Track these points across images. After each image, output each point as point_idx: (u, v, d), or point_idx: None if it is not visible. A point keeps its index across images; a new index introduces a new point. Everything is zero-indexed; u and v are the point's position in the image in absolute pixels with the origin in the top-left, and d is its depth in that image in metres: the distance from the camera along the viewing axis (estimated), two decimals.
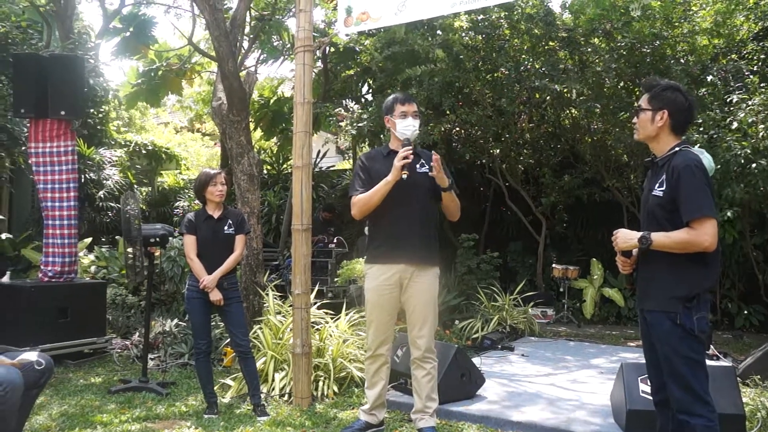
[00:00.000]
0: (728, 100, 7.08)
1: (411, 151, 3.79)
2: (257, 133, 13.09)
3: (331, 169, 14.06)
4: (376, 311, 4.00)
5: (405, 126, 3.94)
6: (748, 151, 6.41)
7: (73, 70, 6.27)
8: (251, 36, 10.65)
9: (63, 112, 6.16)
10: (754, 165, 6.38)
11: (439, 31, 8.88)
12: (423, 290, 3.91)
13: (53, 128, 6.23)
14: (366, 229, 7.31)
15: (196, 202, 4.78)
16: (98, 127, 11.37)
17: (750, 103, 6.63)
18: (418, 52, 8.75)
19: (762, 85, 7.02)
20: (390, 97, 4.12)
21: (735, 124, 6.67)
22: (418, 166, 3.92)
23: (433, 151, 3.93)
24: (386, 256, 3.95)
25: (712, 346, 6.56)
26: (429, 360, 3.96)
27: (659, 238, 2.82)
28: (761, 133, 6.42)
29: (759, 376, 5.30)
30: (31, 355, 3.53)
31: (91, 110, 10.86)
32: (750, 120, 6.54)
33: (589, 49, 8.76)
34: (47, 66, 6.12)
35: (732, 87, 7.44)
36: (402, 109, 3.97)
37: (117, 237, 9.21)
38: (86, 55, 9.97)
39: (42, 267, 6.32)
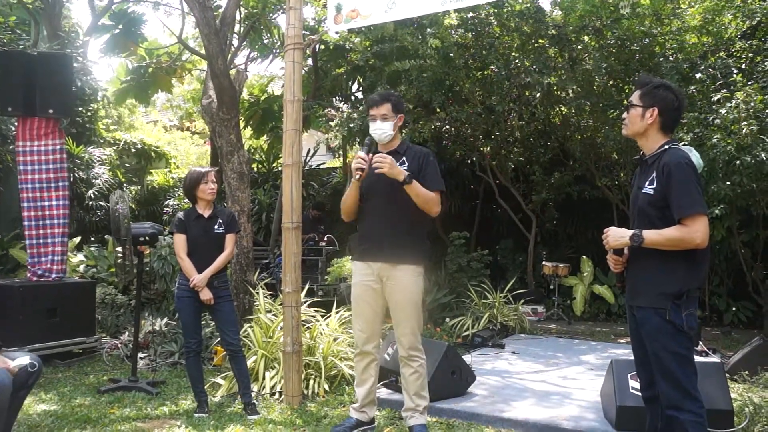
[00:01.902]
0: (713, 99, 7.12)
1: (366, 153, 3.83)
2: (247, 132, 13.06)
3: (322, 167, 14.05)
4: (361, 307, 4.03)
5: (373, 129, 3.99)
6: (732, 149, 6.45)
7: (61, 67, 6.23)
8: (241, 34, 10.62)
9: (51, 111, 6.11)
10: (738, 162, 6.41)
11: (429, 29, 8.87)
12: (400, 289, 3.90)
13: (41, 126, 6.18)
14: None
15: (187, 200, 4.76)
16: (87, 125, 11.31)
17: (733, 102, 6.67)
18: (407, 49, 8.74)
19: (750, 82, 7.06)
20: (369, 99, 4.18)
21: (717, 122, 6.71)
22: (398, 164, 3.90)
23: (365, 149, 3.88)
24: (366, 254, 4.00)
25: (701, 343, 6.61)
26: (415, 358, 3.96)
27: (651, 235, 2.83)
28: (744, 130, 6.45)
29: (747, 372, 5.34)
30: (23, 359, 3.51)
31: (80, 108, 10.80)
32: (731, 117, 6.58)
33: (579, 47, 8.78)
34: (35, 64, 6.07)
35: (717, 86, 7.48)
36: (372, 112, 4.01)
37: (106, 236, 9.17)
38: (74, 53, 9.91)
39: (29, 267, 6.28)
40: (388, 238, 3.92)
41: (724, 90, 7.03)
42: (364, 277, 4.00)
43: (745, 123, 6.45)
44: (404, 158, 3.97)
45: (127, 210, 5.37)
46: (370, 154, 3.85)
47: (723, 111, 6.66)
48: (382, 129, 3.96)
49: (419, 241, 4.00)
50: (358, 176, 3.82)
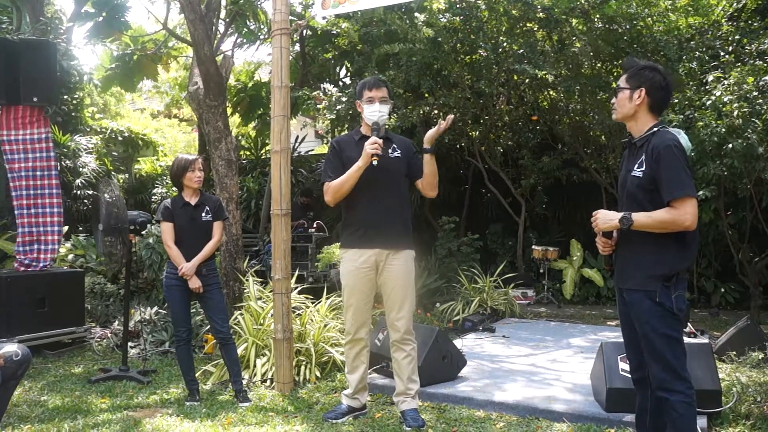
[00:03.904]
0: (704, 80, 7.13)
1: (380, 137, 3.85)
2: (235, 118, 12.97)
3: (310, 153, 13.99)
4: (355, 295, 4.02)
5: (371, 111, 3.96)
6: (723, 131, 6.47)
7: (44, 54, 6.14)
8: (227, 20, 10.51)
9: (35, 98, 6.04)
10: (730, 145, 6.43)
11: (417, 14, 8.83)
12: (399, 272, 3.95)
13: (26, 115, 6.12)
14: None
15: (175, 189, 4.73)
16: (73, 113, 11.17)
17: (726, 83, 6.67)
18: (396, 32, 8.69)
19: (737, 64, 7.07)
20: (360, 82, 4.15)
21: (710, 103, 6.72)
22: (390, 150, 3.93)
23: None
24: (362, 241, 3.98)
25: (689, 324, 6.67)
26: (408, 342, 3.99)
27: (640, 218, 2.84)
28: (735, 112, 6.46)
29: (734, 352, 5.40)
30: (10, 347, 3.49)
31: (65, 96, 10.67)
32: (725, 99, 6.58)
33: (568, 28, 8.75)
34: (18, 51, 5.98)
35: (707, 67, 7.49)
36: (369, 94, 3.99)
37: (97, 225, 9.10)
38: (58, 39, 9.78)
39: (17, 257, 6.24)
40: (388, 223, 3.94)
41: (717, 71, 7.03)
42: (359, 264, 3.97)
43: (737, 105, 6.46)
44: (394, 145, 4.04)
45: (117, 198, 5.31)
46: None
47: (717, 93, 6.66)
48: (381, 111, 3.96)
49: (410, 226, 4.10)
50: (376, 161, 3.81)
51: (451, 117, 3.81)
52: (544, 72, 8.22)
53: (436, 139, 3.94)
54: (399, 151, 4.01)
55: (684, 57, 7.69)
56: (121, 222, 5.21)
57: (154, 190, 13.00)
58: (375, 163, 3.79)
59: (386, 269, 3.96)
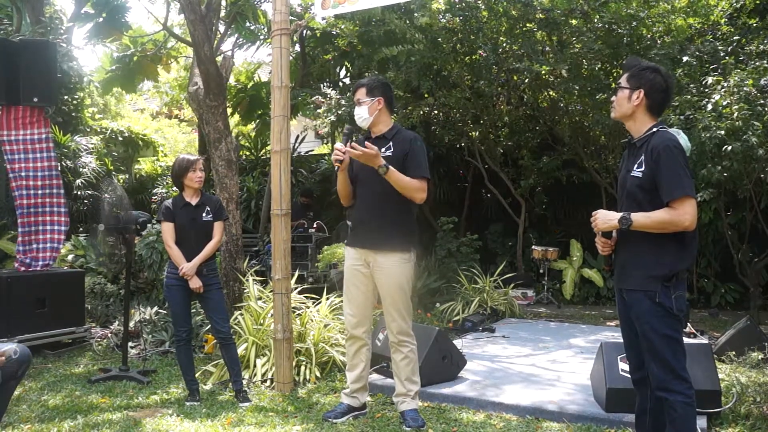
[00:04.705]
0: (704, 82, 7.13)
1: (345, 143, 3.87)
2: (235, 119, 12.98)
3: (310, 153, 13.99)
4: (349, 290, 4.08)
5: (355, 114, 4.05)
6: (722, 133, 6.47)
7: (44, 55, 6.14)
8: (227, 20, 10.52)
9: (36, 99, 6.04)
10: (729, 147, 6.42)
11: (416, 14, 8.83)
12: (385, 275, 3.94)
13: (26, 115, 6.12)
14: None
15: (175, 189, 4.73)
16: (73, 114, 11.19)
17: (725, 84, 6.67)
18: (395, 33, 8.69)
19: (738, 65, 7.07)
20: None
21: (710, 106, 6.72)
22: (383, 150, 3.89)
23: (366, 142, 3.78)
24: (355, 240, 4.06)
25: (689, 324, 6.67)
26: (405, 343, 3.99)
27: (639, 218, 2.84)
28: (735, 114, 6.46)
29: (734, 353, 5.40)
30: (8, 346, 3.49)
31: (66, 97, 10.68)
32: (725, 102, 6.59)
33: (567, 29, 8.76)
34: (18, 51, 5.98)
35: (707, 68, 7.49)
36: (354, 98, 4.07)
37: (95, 225, 9.10)
38: (58, 40, 9.79)
39: (18, 257, 6.24)
40: (373, 225, 3.95)
41: (715, 73, 7.03)
42: (354, 261, 4.04)
43: (736, 107, 6.46)
44: (391, 144, 3.97)
45: (119, 199, 5.31)
46: (349, 144, 3.87)
47: (717, 96, 6.66)
48: (357, 114, 4.02)
49: (406, 227, 4.00)
50: (337, 167, 3.88)
51: (370, 145, 3.71)
52: (545, 66, 8.21)
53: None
54: (391, 150, 3.92)
55: (684, 59, 7.69)
56: (123, 222, 5.22)
57: (154, 190, 13.01)
58: (336, 168, 3.89)
59: (375, 271, 3.97)
